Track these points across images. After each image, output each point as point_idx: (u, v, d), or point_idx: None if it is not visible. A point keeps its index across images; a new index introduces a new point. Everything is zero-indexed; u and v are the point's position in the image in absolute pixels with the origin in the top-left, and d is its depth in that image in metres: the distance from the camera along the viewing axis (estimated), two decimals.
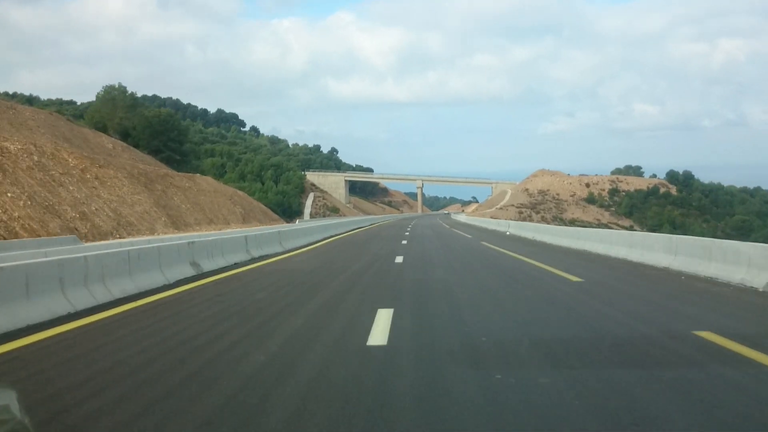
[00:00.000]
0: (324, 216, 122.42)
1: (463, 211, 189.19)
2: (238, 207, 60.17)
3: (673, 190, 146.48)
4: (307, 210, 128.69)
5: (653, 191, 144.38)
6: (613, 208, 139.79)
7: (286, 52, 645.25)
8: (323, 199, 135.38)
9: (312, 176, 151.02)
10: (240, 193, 66.35)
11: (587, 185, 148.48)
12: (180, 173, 59.14)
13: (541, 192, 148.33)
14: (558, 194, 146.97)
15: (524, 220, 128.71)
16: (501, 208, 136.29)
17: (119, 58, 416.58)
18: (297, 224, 51.89)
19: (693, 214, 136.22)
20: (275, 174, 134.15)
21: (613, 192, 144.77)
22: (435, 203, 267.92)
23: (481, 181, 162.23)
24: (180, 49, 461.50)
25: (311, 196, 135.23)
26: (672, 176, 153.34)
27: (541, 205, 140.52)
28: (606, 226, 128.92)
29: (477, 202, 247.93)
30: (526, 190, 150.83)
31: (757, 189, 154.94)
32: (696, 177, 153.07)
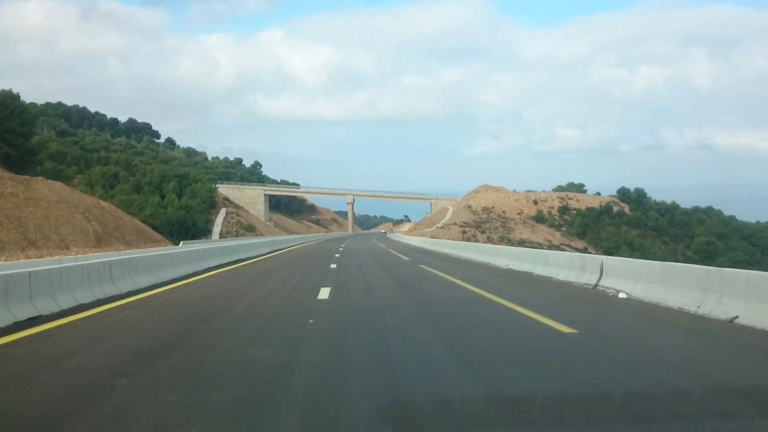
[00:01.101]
0: (237, 235, 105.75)
1: (392, 230, 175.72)
2: (93, 224, 42.90)
3: (626, 209, 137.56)
4: (217, 228, 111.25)
5: (606, 210, 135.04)
6: (564, 228, 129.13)
7: (214, 67, 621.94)
8: (237, 215, 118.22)
9: (226, 189, 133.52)
10: (104, 205, 49.22)
11: (535, 202, 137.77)
12: (11, 175, 42.27)
13: (486, 209, 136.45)
14: (504, 212, 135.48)
15: (468, 240, 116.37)
16: (442, 227, 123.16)
17: (37, 71, 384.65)
18: (181, 247, 40.11)
19: (650, 234, 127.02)
20: (179, 186, 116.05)
21: (563, 210, 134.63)
22: (365, 222, 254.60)
23: (419, 197, 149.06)
24: (102, 62, 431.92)
25: (223, 211, 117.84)
26: (623, 194, 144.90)
27: (486, 223, 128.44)
28: (558, 249, 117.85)
29: (409, 221, 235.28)
30: (469, 207, 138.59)
31: (710, 209, 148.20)
32: (648, 195, 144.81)
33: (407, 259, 28.69)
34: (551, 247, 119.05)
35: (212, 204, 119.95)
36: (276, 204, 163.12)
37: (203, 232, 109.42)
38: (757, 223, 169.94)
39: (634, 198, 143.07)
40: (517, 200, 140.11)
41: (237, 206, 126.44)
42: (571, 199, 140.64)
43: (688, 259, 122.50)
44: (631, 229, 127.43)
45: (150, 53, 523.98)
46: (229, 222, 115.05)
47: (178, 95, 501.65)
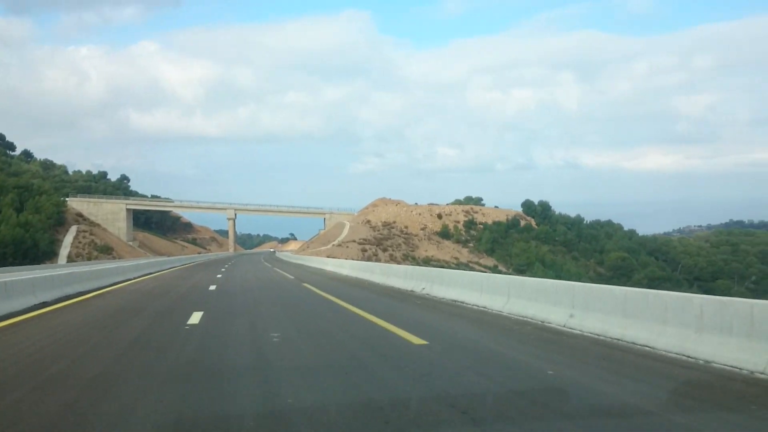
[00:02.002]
0: (90, 258, 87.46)
1: (279, 249, 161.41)
2: None
3: (533, 223, 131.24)
4: (65, 250, 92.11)
5: (514, 223, 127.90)
6: (471, 244, 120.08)
7: (83, 80, 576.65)
8: (91, 234, 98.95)
9: (80, 204, 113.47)
10: None
11: (439, 216, 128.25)
12: None
13: (387, 224, 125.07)
14: (406, 227, 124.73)
15: (369, 259, 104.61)
16: (339, 245, 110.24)
17: None
18: None
19: (560, 250, 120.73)
20: (19, 199, 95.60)
21: (469, 224, 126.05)
22: (248, 241, 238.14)
23: (312, 212, 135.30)
24: None
25: (73, 230, 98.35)
26: (529, 207, 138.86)
27: (387, 240, 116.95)
28: (468, 267, 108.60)
29: (295, 239, 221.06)
30: (368, 222, 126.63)
31: (609, 222, 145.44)
32: (553, 208, 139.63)
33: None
34: (459, 265, 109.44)
35: (60, 221, 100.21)
36: (145, 222, 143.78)
37: (47, 255, 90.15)
38: (654, 236, 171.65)
39: (540, 211, 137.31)
40: (419, 214, 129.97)
41: (92, 224, 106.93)
42: (476, 212, 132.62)
43: (600, 276, 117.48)
44: (541, 244, 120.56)
45: (13, 64, 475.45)
46: (80, 242, 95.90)
47: (44, 109, 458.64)
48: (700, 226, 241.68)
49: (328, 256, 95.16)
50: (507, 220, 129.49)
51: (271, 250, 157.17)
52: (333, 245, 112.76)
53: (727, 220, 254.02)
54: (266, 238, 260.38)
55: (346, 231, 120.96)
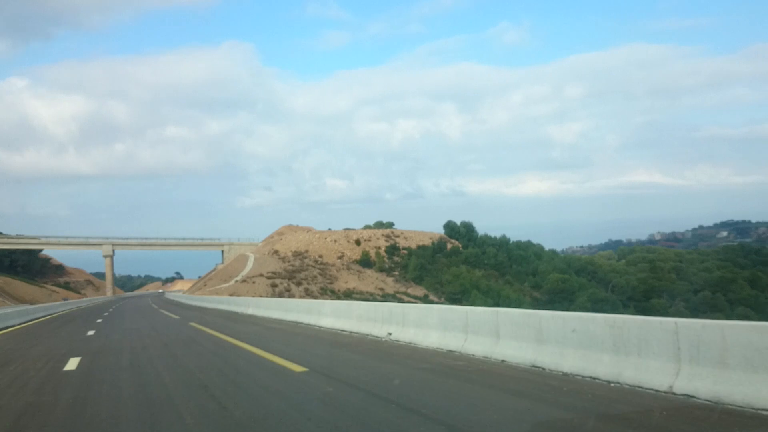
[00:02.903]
0: None
1: (168, 289, 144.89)
2: None
3: (459, 246, 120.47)
4: None
5: (440, 247, 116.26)
6: (396, 272, 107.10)
7: None
8: None
9: None
10: None
11: (357, 242, 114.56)
12: None
13: (298, 254, 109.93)
14: (321, 256, 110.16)
15: (281, 295, 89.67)
16: (244, 281, 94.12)
17: None
18: None
19: (492, 274, 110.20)
20: None
21: (392, 250, 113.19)
22: (128, 283, 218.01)
23: (206, 243, 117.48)
24: None
25: None
26: (452, 228, 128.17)
27: (301, 272, 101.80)
28: (395, 298, 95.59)
29: (181, 278, 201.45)
30: (276, 252, 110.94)
31: (529, 242, 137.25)
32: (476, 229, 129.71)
33: None
34: (386, 297, 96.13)
35: None
36: (10, 265, 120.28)
37: None
38: (573, 255, 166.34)
39: (464, 233, 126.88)
40: (334, 241, 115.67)
41: None
42: (398, 236, 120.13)
43: (536, 301, 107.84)
44: (471, 268, 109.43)
45: None
46: None
47: None
48: (581, 247, 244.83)
49: (231, 295, 79.14)
50: (432, 243, 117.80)
51: (160, 291, 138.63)
52: (236, 281, 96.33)
53: (606, 240, 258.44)
54: (148, 279, 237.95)
55: (250, 264, 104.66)
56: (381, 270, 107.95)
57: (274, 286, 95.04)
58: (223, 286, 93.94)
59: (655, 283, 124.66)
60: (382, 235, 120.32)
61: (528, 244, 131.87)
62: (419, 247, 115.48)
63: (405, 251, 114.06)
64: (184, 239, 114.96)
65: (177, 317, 28.87)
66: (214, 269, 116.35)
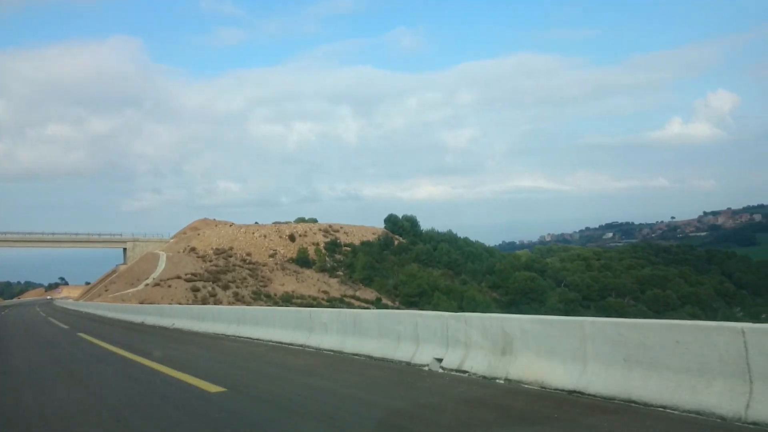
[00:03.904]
0: None
1: (50, 297, 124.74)
2: None
3: (406, 242, 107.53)
4: None
5: (386, 243, 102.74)
6: (341, 272, 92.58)
7: None
8: None
9: None
10: None
11: (292, 238, 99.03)
12: None
13: (221, 252, 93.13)
14: (249, 254, 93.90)
15: (205, 301, 74.41)
16: (158, 284, 76.94)
17: None
18: None
19: (447, 273, 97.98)
20: None
21: (333, 247, 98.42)
22: (6, 290, 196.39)
23: (104, 240, 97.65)
24: None
25: None
26: (394, 223, 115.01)
27: (226, 273, 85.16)
28: (344, 303, 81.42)
29: (66, 284, 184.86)
30: (193, 250, 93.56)
31: (467, 240, 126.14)
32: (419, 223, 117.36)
33: None
34: (332, 301, 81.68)
35: None
36: None
37: None
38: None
39: (408, 228, 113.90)
40: (264, 236, 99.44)
41: None
42: (337, 231, 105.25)
43: (498, 303, 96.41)
44: (424, 267, 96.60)
45: None
46: None
47: None
48: None
49: (142, 302, 63.83)
50: (378, 239, 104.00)
51: (48, 298, 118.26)
52: (147, 285, 78.54)
53: (500, 242, 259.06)
54: (29, 285, 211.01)
55: (162, 264, 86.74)
56: (322, 270, 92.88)
57: (195, 290, 78.17)
58: (131, 291, 75.96)
59: (610, 281, 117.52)
60: (319, 229, 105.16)
61: (472, 242, 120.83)
62: (363, 243, 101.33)
63: (348, 248, 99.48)
64: (77, 234, 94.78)
65: (66, 327, 26.06)
66: (115, 271, 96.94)
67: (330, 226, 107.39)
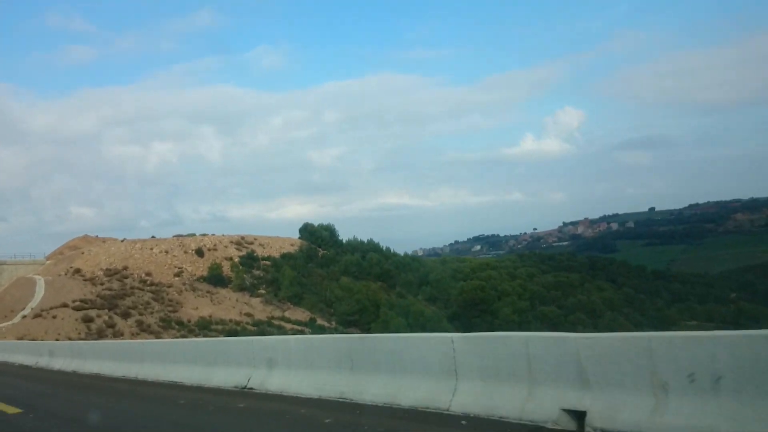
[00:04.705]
0: None
1: None
2: None
3: (330, 253, 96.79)
4: None
5: (310, 255, 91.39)
6: (263, 290, 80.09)
7: None
8: None
9: None
10: None
11: (199, 253, 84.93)
12: None
13: (113, 273, 77.90)
14: (149, 274, 79.25)
15: (102, 333, 61.05)
16: (39, 315, 61.52)
17: None
18: None
19: (382, 286, 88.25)
20: None
21: (250, 261, 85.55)
22: None
23: None
24: None
25: None
26: (311, 233, 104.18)
27: (124, 297, 70.59)
28: (275, 327, 69.85)
29: None
30: (78, 271, 77.55)
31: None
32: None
33: None
34: (259, 325, 69.53)
35: None
36: None
37: None
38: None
39: (328, 238, 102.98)
40: (165, 252, 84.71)
41: None
42: (251, 243, 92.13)
43: (445, 317, 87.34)
44: (354, 280, 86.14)
45: None
46: None
47: None
48: None
49: (20, 338, 50.59)
50: (301, 250, 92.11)
51: None
52: (24, 317, 62.56)
53: None
54: None
55: (40, 290, 70.44)
56: (241, 289, 79.68)
57: (88, 320, 63.21)
58: (3, 325, 59.74)
59: (539, 290, 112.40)
60: (231, 242, 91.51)
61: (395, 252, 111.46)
62: (283, 255, 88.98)
63: (267, 262, 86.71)
64: None
65: None
66: None
67: (242, 237, 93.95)
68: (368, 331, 67.25)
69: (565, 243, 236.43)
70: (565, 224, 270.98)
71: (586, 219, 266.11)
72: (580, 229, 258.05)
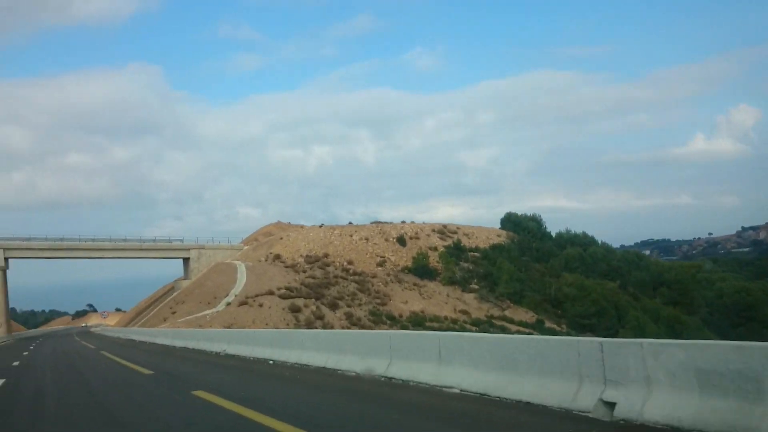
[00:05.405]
0: None
1: (86, 324, 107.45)
2: None
3: (545, 244, 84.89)
4: None
5: (523, 248, 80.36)
6: (476, 286, 70.18)
7: None
8: None
9: None
10: None
11: (401, 241, 76.62)
12: None
13: (314, 260, 71.53)
14: (351, 262, 72.10)
15: (311, 324, 53.62)
16: (244, 302, 55.56)
17: None
18: None
19: (613, 288, 75.14)
20: None
21: (457, 251, 75.86)
22: (31, 319, 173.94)
23: (160, 247, 76.63)
24: None
25: None
26: (515, 223, 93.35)
27: (328, 287, 63.47)
28: (497, 329, 59.94)
29: (95, 310, 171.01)
30: (278, 258, 72.00)
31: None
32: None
33: None
34: (478, 324, 59.78)
35: None
36: None
37: None
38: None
39: (534, 229, 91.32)
40: (366, 239, 77.66)
41: None
42: (454, 233, 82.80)
43: (683, 325, 72.96)
44: (582, 277, 73.64)
45: None
46: None
47: None
48: None
49: (229, 326, 43.14)
50: (512, 242, 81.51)
51: (83, 325, 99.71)
52: (228, 304, 57.18)
53: None
54: (54, 314, 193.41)
55: (242, 276, 65.31)
56: (451, 282, 70.37)
57: (295, 310, 56.51)
58: (208, 312, 54.63)
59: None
60: (433, 230, 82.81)
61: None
62: (493, 247, 78.65)
63: (476, 254, 76.82)
64: (125, 241, 74.08)
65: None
66: (174, 288, 75.84)
67: (444, 226, 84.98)
68: (611, 337, 55.44)
69: (745, 249, 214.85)
70: (744, 229, 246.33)
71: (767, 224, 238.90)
72: (762, 235, 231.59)
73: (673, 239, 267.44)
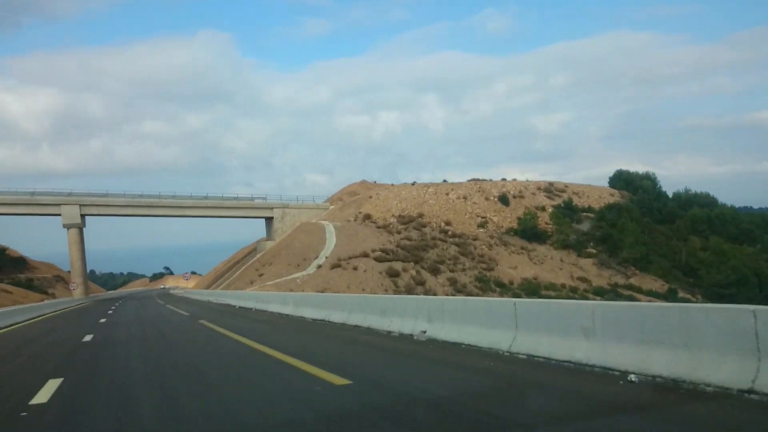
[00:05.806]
0: None
1: (164, 286, 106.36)
2: None
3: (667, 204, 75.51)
4: None
5: (642, 207, 71.43)
6: (593, 250, 61.89)
7: None
8: None
9: None
10: None
11: (503, 200, 69.03)
12: None
13: (407, 220, 64.89)
14: (449, 223, 65.03)
15: (411, 290, 46.24)
16: (338, 265, 49.28)
17: None
18: None
19: (741, 249, 65.24)
20: None
21: (568, 211, 67.56)
22: (109, 282, 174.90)
23: (243, 205, 71.89)
24: None
25: None
26: (626, 181, 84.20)
27: (426, 249, 56.61)
28: (623, 297, 52.08)
29: (171, 273, 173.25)
30: (368, 217, 65.72)
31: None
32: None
33: None
34: (602, 293, 51.89)
35: None
36: None
37: None
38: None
39: (648, 188, 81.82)
40: (464, 198, 70.51)
41: None
42: (562, 191, 74.54)
43: None
44: (701, 240, 64.32)
45: None
46: None
47: None
48: None
49: (323, 290, 36.47)
50: (630, 201, 72.72)
51: (162, 287, 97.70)
52: (320, 267, 51.43)
53: None
54: (132, 277, 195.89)
55: (331, 237, 59.37)
56: (564, 246, 62.53)
57: (393, 275, 50.17)
58: (298, 275, 49.01)
59: None
60: (538, 188, 74.87)
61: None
62: (610, 207, 70.07)
63: (590, 214, 68.53)
64: (205, 197, 69.74)
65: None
66: (257, 249, 71.10)
67: (551, 184, 76.83)
68: None
69: None
70: None
71: None
72: None
73: (756, 207, 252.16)
